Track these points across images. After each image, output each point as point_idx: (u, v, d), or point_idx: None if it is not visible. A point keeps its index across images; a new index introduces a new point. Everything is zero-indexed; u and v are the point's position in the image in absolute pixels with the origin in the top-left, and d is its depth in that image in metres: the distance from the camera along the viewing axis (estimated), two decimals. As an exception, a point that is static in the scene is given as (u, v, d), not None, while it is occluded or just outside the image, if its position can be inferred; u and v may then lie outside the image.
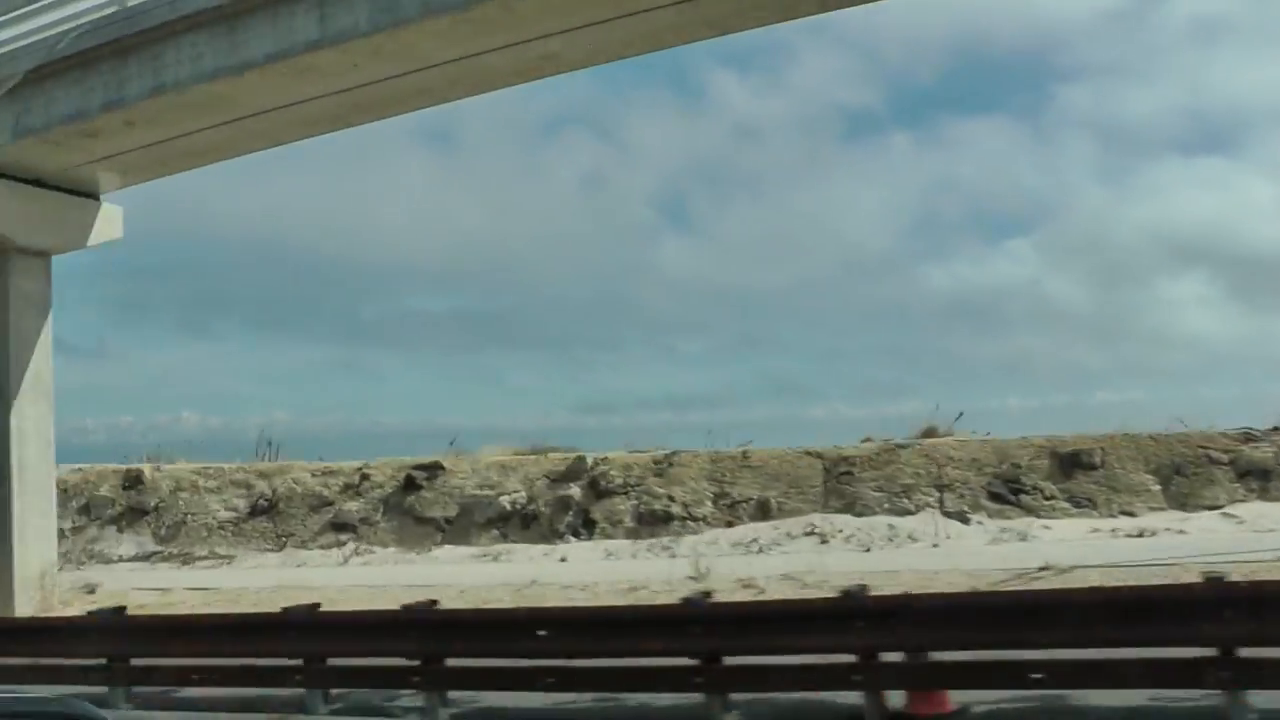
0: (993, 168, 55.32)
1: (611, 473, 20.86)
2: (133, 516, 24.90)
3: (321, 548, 22.06)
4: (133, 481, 25.56)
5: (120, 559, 23.62)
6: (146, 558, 23.45)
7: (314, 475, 23.62)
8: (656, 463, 20.89)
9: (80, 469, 26.87)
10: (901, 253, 53.44)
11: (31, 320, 16.77)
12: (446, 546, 20.71)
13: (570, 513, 20.60)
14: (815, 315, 51.06)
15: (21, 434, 16.40)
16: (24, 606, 16.05)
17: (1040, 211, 52.05)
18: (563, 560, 18.75)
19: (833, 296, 50.48)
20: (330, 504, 22.94)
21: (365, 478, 22.95)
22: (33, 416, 16.61)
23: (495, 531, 20.94)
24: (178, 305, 62.43)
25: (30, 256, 16.82)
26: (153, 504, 24.87)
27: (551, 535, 20.40)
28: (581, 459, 21.27)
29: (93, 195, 17.45)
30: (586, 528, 20.36)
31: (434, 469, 22.29)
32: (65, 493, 25.77)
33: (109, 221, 17.60)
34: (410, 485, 22.29)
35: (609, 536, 20.06)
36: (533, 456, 21.99)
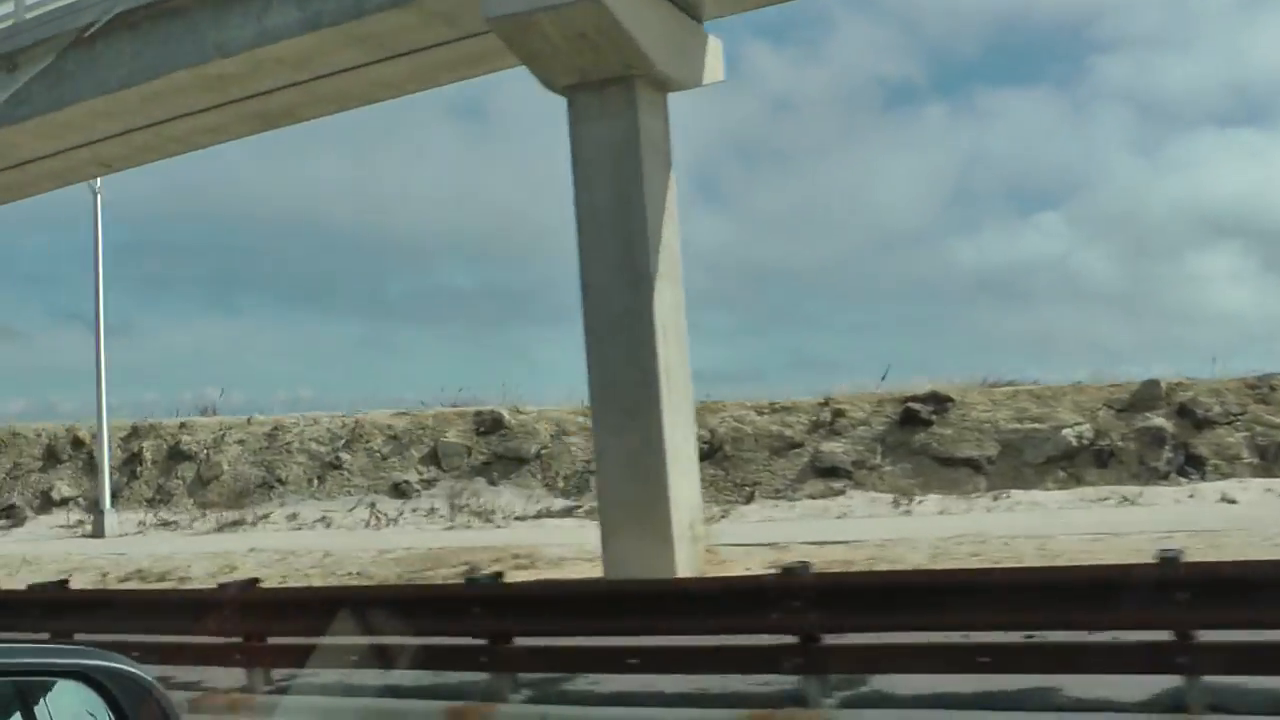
0: (1028, 140, 53.32)
1: (1201, 399, 17.01)
2: (506, 465, 20.42)
3: (810, 496, 17.87)
4: (489, 425, 21.06)
5: (514, 516, 19.12)
6: (564, 512, 18.98)
7: (761, 413, 19.39)
8: (1252, 387, 17.10)
9: (406, 412, 22.29)
10: (933, 227, 51.44)
11: (659, 175, 12.33)
12: (1014, 491, 16.65)
13: (1166, 447, 16.70)
14: (844, 290, 49.70)
15: (663, 324, 12.01)
16: (681, 565, 11.71)
17: (1073, 184, 50.45)
18: (1229, 502, 14.88)
19: (862, 271, 48.92)
20: (797, 445, 18.75)
21: (839, 414, 18.80)
22: (670, 301, 12.22)
23: (1060, 472, 16.97)
24: (205, 283, 58.09)
25: (653, 89, 12.30)
26: (532, 450, 20.40)
27: (1146, 475, 16.49)
28: (1153, 383, 17.39)
29: (698, 19, 13.07)
30: (1193, 465, 16.48)
31: (940, 401, 18.23)
32: (395, 438, 21.27)
33: (715, 57, 13.13)
34: (910, 420, 18.21)
35: (1224, 475, 16.23)
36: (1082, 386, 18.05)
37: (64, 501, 24.38)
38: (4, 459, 25.93)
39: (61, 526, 23.30)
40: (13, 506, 24.87)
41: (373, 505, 20.02)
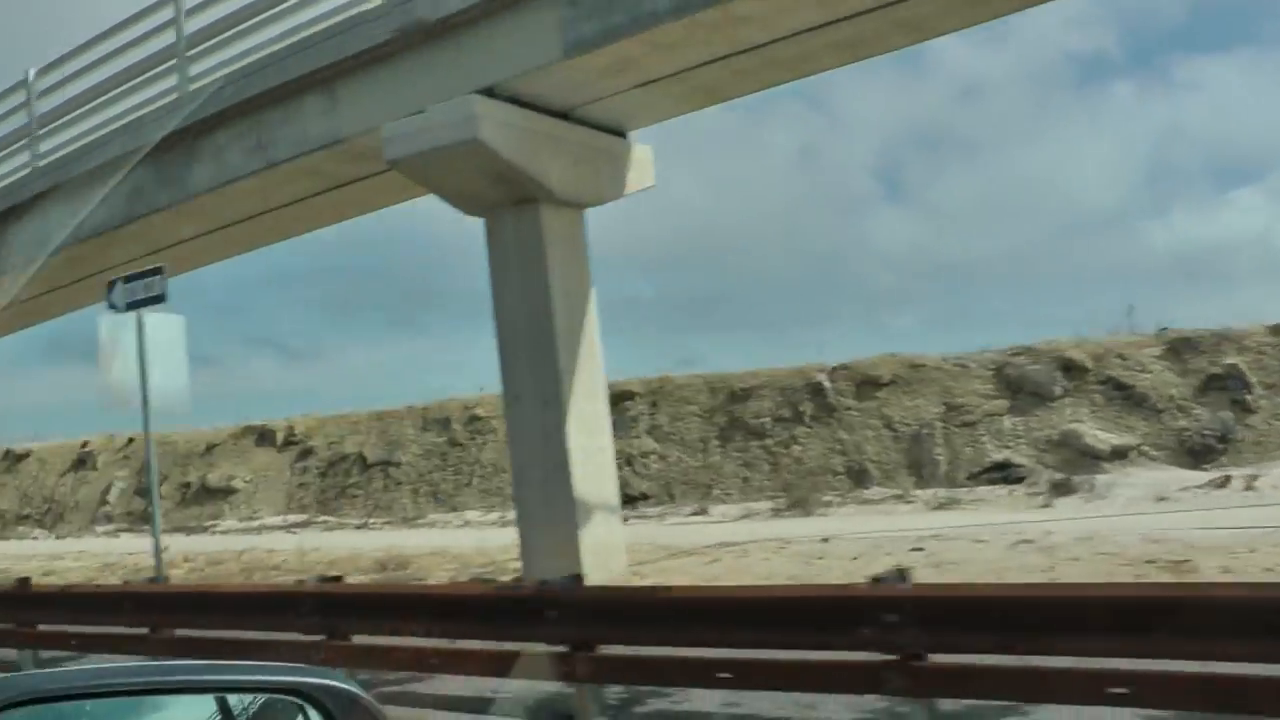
0: (1231, 110, 50.82)
1: None
2: None
3: None
4: None
5: None
6: None
7: None
8: None
9: None
10: (1124, 210, 49.47)
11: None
12: None
13: None
14: (1030, 282, 47.75)
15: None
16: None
17: (1276, 155, 47.77)
18: None
19: (1049, 261, 46.77)
20: None
21: None
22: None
23: None
24: (390, 302, 59.48)
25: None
26: None
27: None
28: None
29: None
30: None
31: None
32: None
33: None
34: None
35: None
36: None
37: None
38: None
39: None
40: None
41: None
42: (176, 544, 19.03)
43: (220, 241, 14.25)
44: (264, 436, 23.29)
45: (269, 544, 17.71)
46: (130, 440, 25.78)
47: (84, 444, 26.67)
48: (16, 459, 28.14)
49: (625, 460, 18.38)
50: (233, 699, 1.81)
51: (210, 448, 23.70)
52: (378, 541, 16.16)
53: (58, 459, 27.04)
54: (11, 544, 24.57)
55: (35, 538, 24.83)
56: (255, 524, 21.06)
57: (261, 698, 1.83)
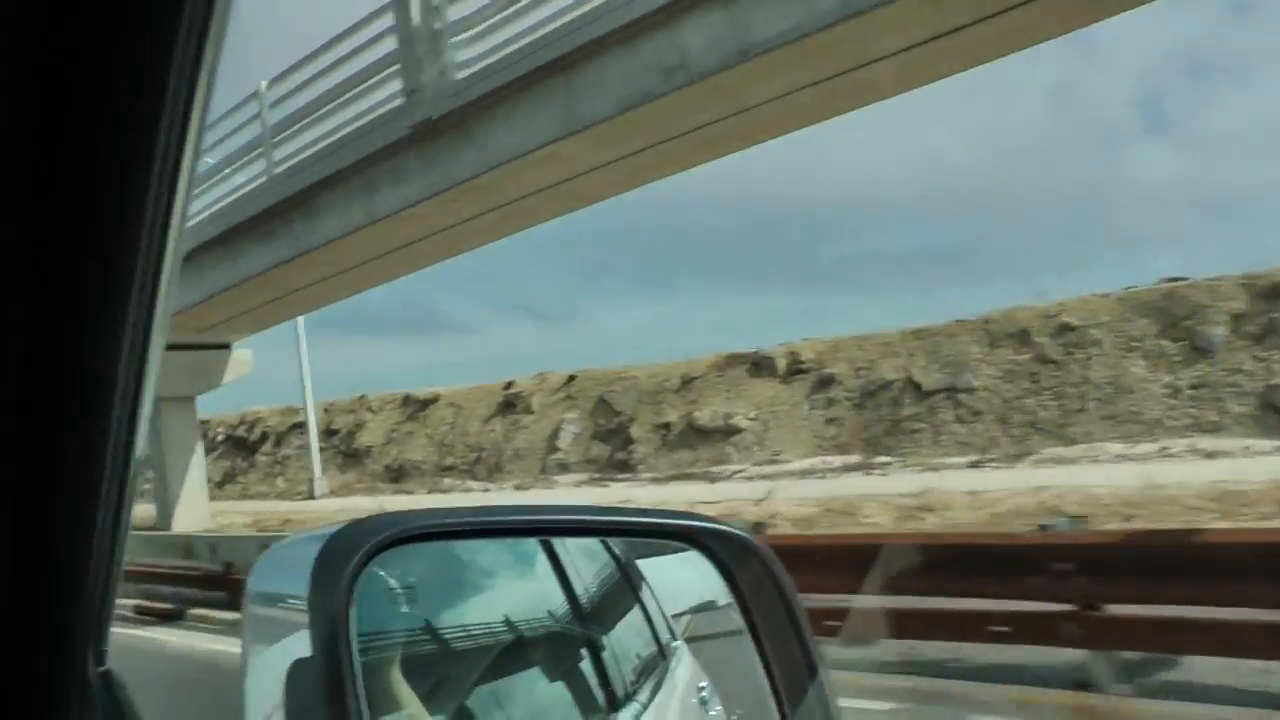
0: None
1: None
2: None
3: None
4: None
5: None
6: None
7: None
8: None
9: None
10: None
11: None
12: None
13: None
14: None
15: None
16: None
17: None
18: None
19: None
20: None
21: None
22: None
23: None
24: (640, 264, 60.68)
25: None
26: None
27: None
28: None
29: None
30: None
31: None
32: None
33: None
34: None
35: None
36: None
37: None
38: None
39: None
40: None
41: None
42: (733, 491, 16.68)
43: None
44: (759, 366, 20.60)
45: (857, 489, 14.95)
46: (571, 378, 23.61)
47: (507, 385, 24.69)
48: (421, 405, 26.52)
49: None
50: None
51: (686, 382, 21.20)
52: (1060, 480, 13.06)
53: (476, 403, 25.20)
54: (455, 496, 22.87)
55: (486, 489, 23.06)
56: (786, 467, 18.44)
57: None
